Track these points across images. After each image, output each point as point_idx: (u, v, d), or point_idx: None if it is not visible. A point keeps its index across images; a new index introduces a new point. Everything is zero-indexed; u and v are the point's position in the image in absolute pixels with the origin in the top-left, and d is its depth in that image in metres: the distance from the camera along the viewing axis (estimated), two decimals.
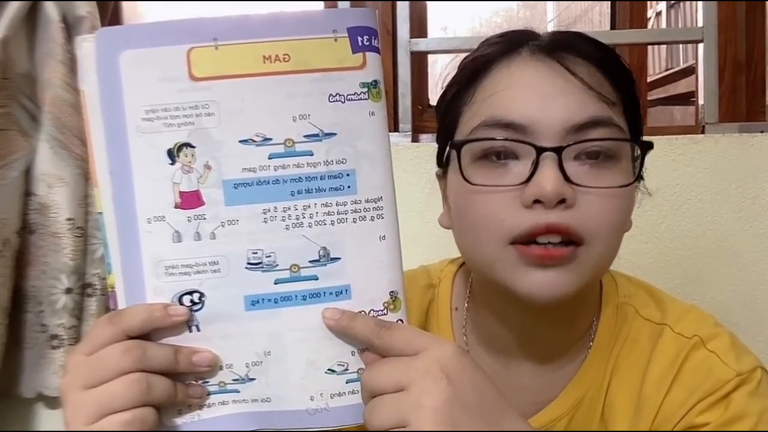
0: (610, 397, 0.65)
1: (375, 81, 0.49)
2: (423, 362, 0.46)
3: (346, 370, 0.50)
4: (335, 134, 0.48)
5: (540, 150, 0.56)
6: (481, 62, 0.62)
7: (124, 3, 1.38)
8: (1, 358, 1.10)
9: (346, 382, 0.51)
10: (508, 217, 0.57)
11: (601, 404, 0.65)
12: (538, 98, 0.57)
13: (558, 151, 0.55)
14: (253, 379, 0.50)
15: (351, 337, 0.50)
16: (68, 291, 1.13)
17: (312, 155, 0.48)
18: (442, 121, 0.65)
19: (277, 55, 0.47)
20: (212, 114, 0.47)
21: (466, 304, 0.71)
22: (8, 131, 1.09)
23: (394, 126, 1.27)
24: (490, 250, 0.58)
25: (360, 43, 0.48)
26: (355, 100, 0.48)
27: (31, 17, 1.09)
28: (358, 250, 0.50)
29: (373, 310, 0.50)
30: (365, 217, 0.49)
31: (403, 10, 1.25)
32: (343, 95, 0.48)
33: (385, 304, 0.51)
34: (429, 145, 1.22)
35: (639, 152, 0.60)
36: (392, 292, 0.51)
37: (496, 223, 0.57)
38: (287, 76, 0.47)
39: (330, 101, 0.48)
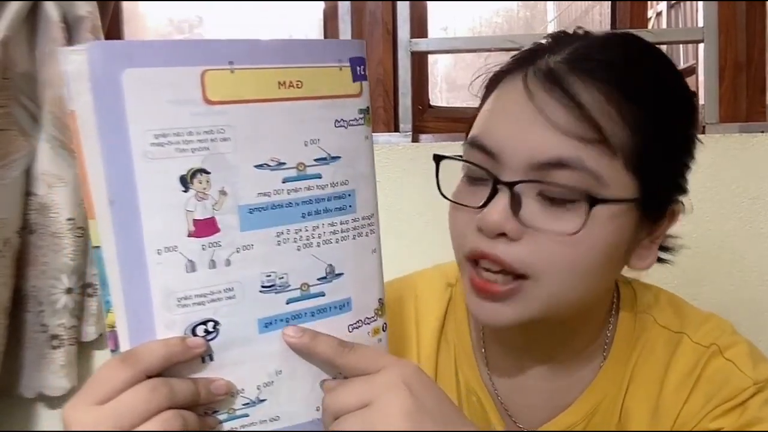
0: (627, 405, 0.65)
1: (368, 108, 0.52)
2: (386, 377, 0.48)
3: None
4: (340, 157, 0.51)
5: (496, 181, 0.56)
6: (497, 74, 0.62)
7: (124, 3, 1.38)
8: (1, 358, 1.10)
9: None
10: (465, 234, 0.59)
11: (618, 412, 0.65)
12: (512, 128, 0.57)
13: (510, 186, 0.56)
14: (264, 400, 0.50)
15: (312, 356, 0.50)
16: (68, 291, 1.13)
17: (320, 178, 0.50)
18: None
19: (291, 81, 0.48)
20: (228, 139, 0.46)
21: None
22: (8, 131, 1.09)
23: (394, 126, 1.28)
24: (458, 260, 0.62)
25: (358, 73, 0.51)
26: (354, 125, 0.51)
27: (31, 17, 1.09)
28: (356, 264, 0.52)
29: (367, 318, 0.53)
30: (362, 233, 0.52)
31: (403, 10, 1.25)
32: (346, 121, 0.51)
33: (375, 311, 0.54)
34: (429, 144, 1.22)
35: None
36: (380, 299, 0.54)
37: (458, 237, 0.61)
38: (299, 102, 0.48)
39: (336, 126, 0.50)
